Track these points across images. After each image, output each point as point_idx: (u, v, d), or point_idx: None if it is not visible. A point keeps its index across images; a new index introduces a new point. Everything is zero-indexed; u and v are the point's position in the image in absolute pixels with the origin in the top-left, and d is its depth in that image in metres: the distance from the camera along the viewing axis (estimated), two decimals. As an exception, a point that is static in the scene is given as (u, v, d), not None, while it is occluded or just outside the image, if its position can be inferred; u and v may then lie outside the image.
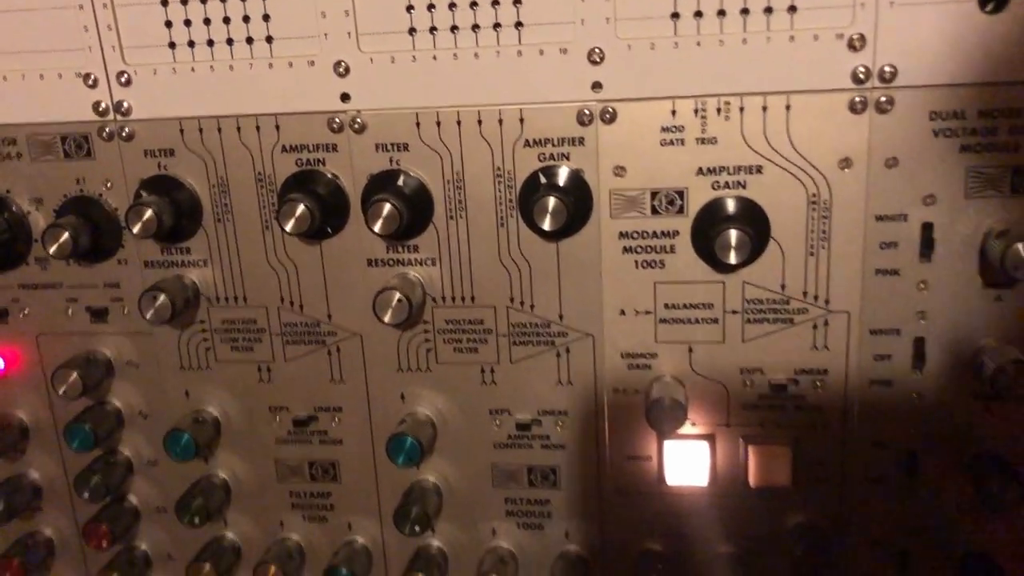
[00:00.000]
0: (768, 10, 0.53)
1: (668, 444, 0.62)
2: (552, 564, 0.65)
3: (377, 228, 0.57)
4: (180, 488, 0.69)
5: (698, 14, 0.53)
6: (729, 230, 0.54)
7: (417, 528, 0.63)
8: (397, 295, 0.59)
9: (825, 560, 0.60)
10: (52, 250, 0.61)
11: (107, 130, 0.62)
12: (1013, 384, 0.53)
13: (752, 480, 0.61)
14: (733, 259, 0.54)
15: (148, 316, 0.62)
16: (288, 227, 0.57)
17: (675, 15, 0.54)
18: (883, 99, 0.53)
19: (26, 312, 0.68)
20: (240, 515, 0.71)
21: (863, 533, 0.61)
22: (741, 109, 0.55)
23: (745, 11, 0.53)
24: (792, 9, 0.53)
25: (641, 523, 0.64)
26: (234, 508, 0.70)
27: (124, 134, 0.62)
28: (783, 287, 0.58)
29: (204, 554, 0.69)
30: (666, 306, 0.60)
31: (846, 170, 0.55)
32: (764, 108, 0.54)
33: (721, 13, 0.53)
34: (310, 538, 0.70)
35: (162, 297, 0.62)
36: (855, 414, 0.59)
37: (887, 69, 0.53)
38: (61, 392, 0.65)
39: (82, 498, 0.69)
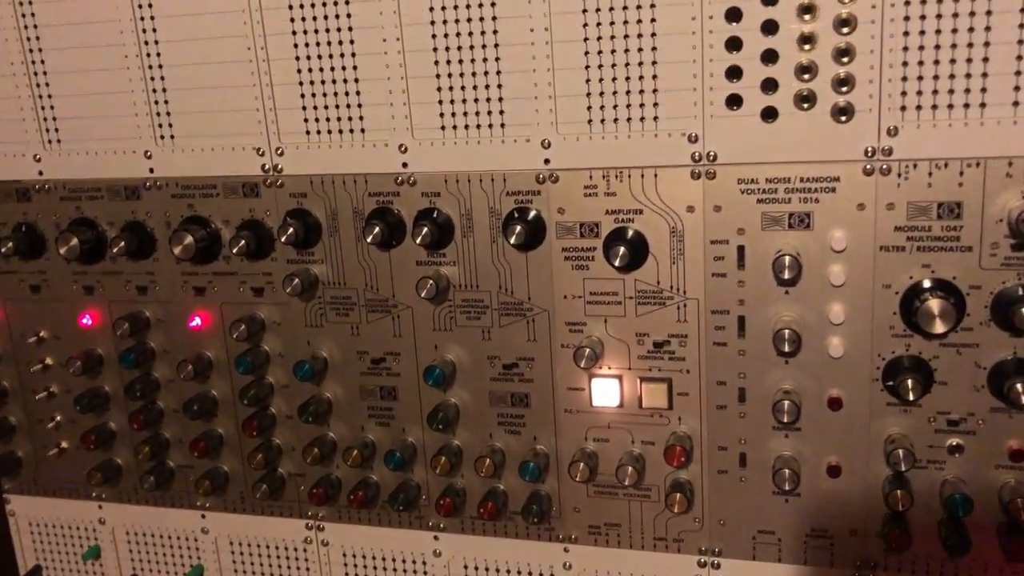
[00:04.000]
0: (642, 119, 0.90)
1: (595, 380, 0.98)
2: (525, 455, 1.03)
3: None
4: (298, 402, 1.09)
5: (615, 120, 0.90)
6: (619, 247, 0.91)
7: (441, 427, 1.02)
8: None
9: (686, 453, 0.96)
10: (234, 251, 1.02)
11: (267, 181, 1.04)
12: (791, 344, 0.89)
13: (644, 403, 0.97)
14: (618, 263, 0.91)
15: (288, 291, 1.03)
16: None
17: (589, 121, 0.91)
18: (710, 171, 0.90)
19: (215, 289, 1.10)
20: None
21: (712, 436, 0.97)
22: (629, 176, 0.91)
23: (629, 119, 0.90)
24: (656, 119, 0.90)
25: (579, 429, 1.01)
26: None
27: (278, 184, 1.04)
28: (658, 283, 0.94)
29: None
30: (591, 293, 0.96)
31: (691, 213, 0.91)
32: (642, 176, 0.91)
33: (628, 120, 0.90)
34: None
35: (296, 280, 1.03)
36: (704, 363, 0.95)
37: (711, 153, 0.89)
38: (235, 336, 1.05)
39: (242, 404, 1.09)
